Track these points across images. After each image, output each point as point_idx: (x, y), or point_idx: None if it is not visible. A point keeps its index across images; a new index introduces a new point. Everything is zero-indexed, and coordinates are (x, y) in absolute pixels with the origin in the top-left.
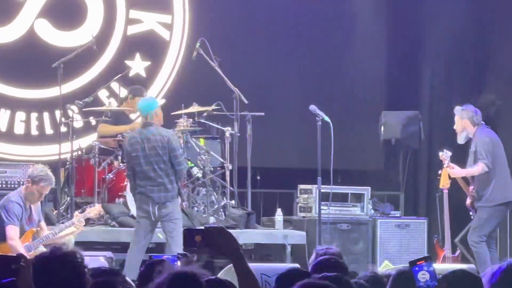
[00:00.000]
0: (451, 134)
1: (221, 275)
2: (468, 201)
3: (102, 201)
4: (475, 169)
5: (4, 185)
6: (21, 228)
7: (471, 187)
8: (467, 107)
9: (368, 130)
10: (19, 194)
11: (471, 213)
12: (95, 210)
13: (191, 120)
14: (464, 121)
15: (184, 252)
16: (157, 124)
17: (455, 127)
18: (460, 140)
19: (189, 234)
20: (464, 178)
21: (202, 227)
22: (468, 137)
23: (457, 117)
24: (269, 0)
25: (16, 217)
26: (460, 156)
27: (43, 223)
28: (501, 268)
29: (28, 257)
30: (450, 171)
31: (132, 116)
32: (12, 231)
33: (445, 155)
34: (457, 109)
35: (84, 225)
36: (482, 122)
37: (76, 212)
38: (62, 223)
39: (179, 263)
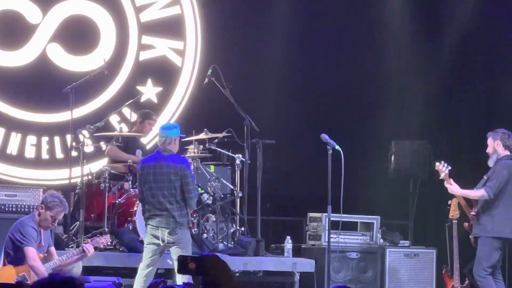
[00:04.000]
0: (460, 164)
1: None
2: (467, 224)
3: (111, 226)
4: (475, 193)
5: (14, 209)
6: None
7: (472, 212)
8: (500, 130)
9: (378, 159)
10: (33, 219)
11: (470, 236)
12: (104, 240)
13: (201, 146)
14: (497, 142)
15: (191, 282)
16: (172, 151)
17: (487, 150)
18: (491, 162)
19: (183, 261)
20: (468, 201)
21: (196, 255)
22: (497, 159)
23: (490, 139)
24: (282, 27)
25: (34, 239)
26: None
27: (52, 249)
28: None
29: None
30: (448, 186)
31: (143, 140)
32: (31, 252)
33: (442, 166)
34: (490, 132)
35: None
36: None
37: (87, 241)
38: (71, 247)
39: None
